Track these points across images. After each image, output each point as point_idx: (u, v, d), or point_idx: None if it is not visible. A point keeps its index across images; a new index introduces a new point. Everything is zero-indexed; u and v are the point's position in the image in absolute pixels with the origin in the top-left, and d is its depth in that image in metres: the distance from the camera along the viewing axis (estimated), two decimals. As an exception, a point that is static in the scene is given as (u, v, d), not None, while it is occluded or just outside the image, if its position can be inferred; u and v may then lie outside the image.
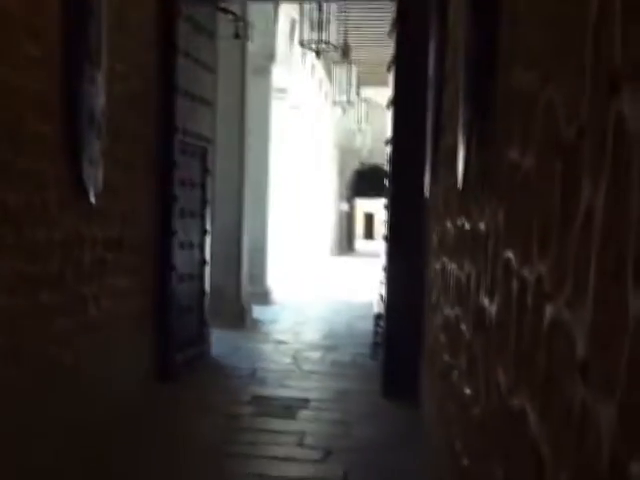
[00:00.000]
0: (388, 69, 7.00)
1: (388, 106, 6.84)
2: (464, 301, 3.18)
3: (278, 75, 11.85)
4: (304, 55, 15.42)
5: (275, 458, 4.59)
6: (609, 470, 1.00)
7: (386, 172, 7.01)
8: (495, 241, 2.33)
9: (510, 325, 1.93)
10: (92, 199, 4.78)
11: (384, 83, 8.10)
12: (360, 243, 42.09)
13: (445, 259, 4.22)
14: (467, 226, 3.17)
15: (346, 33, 12.77)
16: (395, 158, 6.39)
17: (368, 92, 22.09)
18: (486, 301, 2.46)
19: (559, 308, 1.36)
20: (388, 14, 10.28)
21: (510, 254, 2.02)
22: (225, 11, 7.79)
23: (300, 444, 4.87)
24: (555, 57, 1.56)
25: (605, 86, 1.13)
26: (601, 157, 1.14)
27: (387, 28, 6.94)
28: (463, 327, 3.16)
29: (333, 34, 8.62)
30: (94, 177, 4.76)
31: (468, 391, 2.85)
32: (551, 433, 1.39)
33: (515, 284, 1.89)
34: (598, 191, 1.15)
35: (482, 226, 2.66)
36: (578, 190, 1.26)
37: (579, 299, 1.21)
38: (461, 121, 2.97)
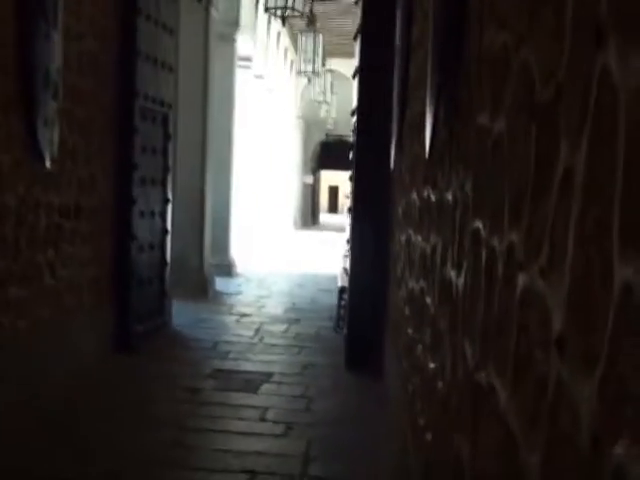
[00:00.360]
0: (355, 37, 6.87)
1: (354, 75, 6.73)
2: (429, 274, 3.11)
3: (243, 43, 11.62)
4: (269, 23, 15.18)
5: (236, 433, 4.51)
6: (588, 450, 0.93)
7: (351, 144, 6.91)
8: (462, 211, 2.26)
9: (478, 297, 1.86)
10: (47, 163, 4.62)
11: (350, 55, 8.00)
12: (324, 217, 42.04)
13: (410, 231, 4.15)
14: (433, 197, 3.09)
15: (312, 2, 12.56)
16: (360, 128, 6.29)
17: (334, 63, 21.92)
18: (453, 273, 2.39)
19: (532, 278, 1.29)
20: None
21: (479, 224, 1.94)
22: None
23: (262, 419, 4.80)
24: (531, 14, 1.47)
25: (589, 40, 1.05)
26: (582, 115, 1.05)
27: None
28: (428, 300, 3.10)
29: (299, 0, 8.44)
30: (49, 139, 4.59)
31: (432, 365, 2.79)
32: (522, 409, 1.32)
33: (484, 254, 1.81)
34: (578, 152, 1.06)
35: (449, 196, 2.59)
36: (555, 152, 1.18)
37: (556, 268, 1.13)
38: (429, 87, 2.88)
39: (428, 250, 3.17)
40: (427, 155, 3.08)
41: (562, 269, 1.08)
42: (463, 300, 2.15)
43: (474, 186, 2.06)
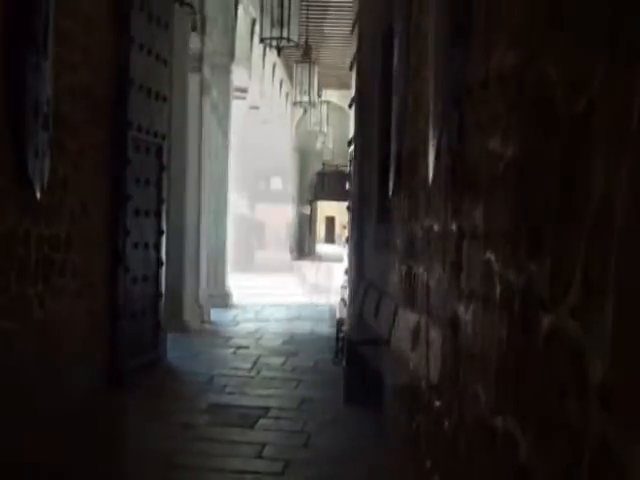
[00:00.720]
0: (351, 67, 6.81)
1: (350, 105, 6.65)
2: (433, 307, 2.98)
3: (238, 74, 11.58)
4: (265, 54, 15.17)
5: (232, 471, 4.34)
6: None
7: (348, 174, 6.82)
8: (470, 241, 2.13)
9: (491, 335, 1.72)
10: (38, 194, 4.50)
11: (345, 86, 7.96)
12: (321, 247, 41.94)
13: (411, 262, 4.02)
14: (436, 226, 2.97)
15: (307, 33, 12.55)
16: (357, 158, 6.20)
17: (329, 95, 21.92)
18: (460, 308, 2.25)
19: (561, 317, 1.15)
20: (349, 13, 10.09)
21: (490, 255, 1.81)
22: (182, 3, 7.49)
23: (259, 456, 4.62)
24: (551, 26, 1.35)
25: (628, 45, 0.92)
26: (622, 131, 0.92)
27: (347, 29, 6.75)
28: (432, 334, 2.96)
29: (295, 31, 8.40)
30: (40, 170, 4.48)
31: (438, 403, 2.64)
32: (552, 466, 1.18)
33: (498, 289, 1.68)
34: (618, 173, 0.94)
35: (453, 226, 2.46)
36: (587, 173, 1.05)
37: (593, 307, 1.00)
38: (432, 114, 2.76)
39: (432, 283, 3.04)
40: (430, 183, 2.96)
41: (602, 309, 0.95)
42: (473, 337, 2.01)
43: (484, 215, 1.94)
